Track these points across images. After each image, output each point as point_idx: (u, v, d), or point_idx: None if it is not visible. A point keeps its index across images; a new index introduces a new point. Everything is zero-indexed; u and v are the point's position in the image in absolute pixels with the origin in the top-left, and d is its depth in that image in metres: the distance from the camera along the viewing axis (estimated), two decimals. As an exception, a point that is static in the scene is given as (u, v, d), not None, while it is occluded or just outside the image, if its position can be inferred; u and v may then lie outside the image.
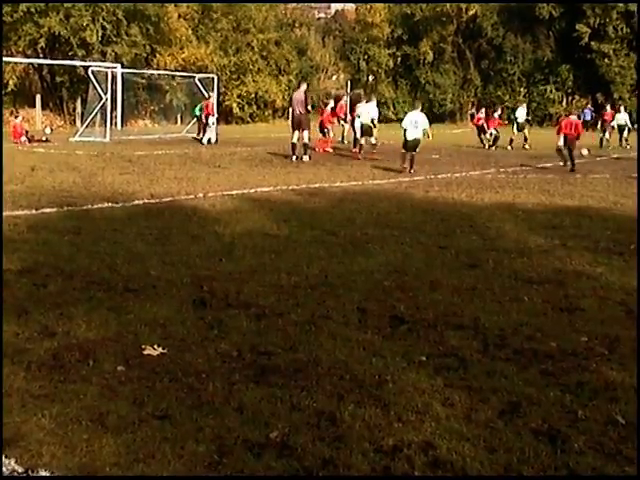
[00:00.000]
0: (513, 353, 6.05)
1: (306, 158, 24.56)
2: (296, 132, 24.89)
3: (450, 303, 7.56)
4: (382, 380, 5.41)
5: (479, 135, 34.84)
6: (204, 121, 33.79)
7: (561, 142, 24.20)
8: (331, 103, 32.21)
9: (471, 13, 65.20)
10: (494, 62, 66.84)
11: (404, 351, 6.03)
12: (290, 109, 26.11)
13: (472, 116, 40.74)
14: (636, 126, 39.63)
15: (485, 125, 34.77)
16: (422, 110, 24.58)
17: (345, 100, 31.46)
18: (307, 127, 24.81)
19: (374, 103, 28.46)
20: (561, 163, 24.12)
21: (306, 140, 24.79)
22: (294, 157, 24.65)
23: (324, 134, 30.18)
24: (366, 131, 26.88)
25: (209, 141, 32.89)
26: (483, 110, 37.18)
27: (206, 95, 39.40)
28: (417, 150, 22.15)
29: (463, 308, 7.38)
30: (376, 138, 27.80)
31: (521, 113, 34.56)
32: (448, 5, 63.54)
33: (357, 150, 26.78)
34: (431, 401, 5.06)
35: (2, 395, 4.92)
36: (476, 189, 17.66)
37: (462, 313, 7.20)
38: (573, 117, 25.27)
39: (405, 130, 22.32)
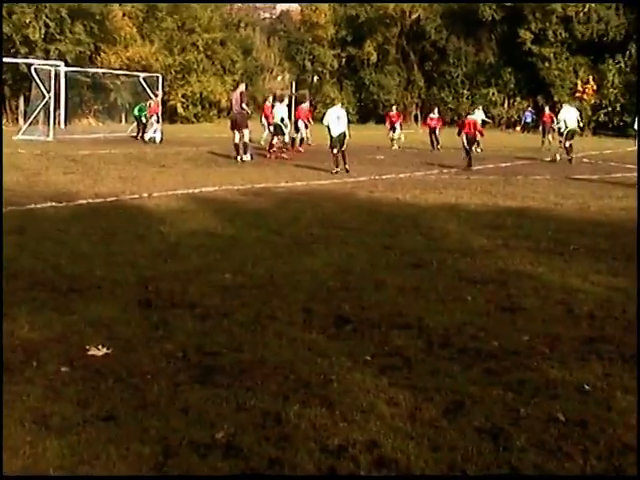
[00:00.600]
0: (457, 352, 6.12)
1: (247, 157, 24.51)
2: (236, 132, 24.85)
3: (394, 303, 7.61)
4: (327, 380, 5.43)
5: (431, 136, 34.84)
6: (149, 120, 33.46)
7: (465, 141, 24.86)
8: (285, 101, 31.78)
9: (415, 16, 65.66)
10: (438, 64, 67.39)
11: (349, 351, 6.07)
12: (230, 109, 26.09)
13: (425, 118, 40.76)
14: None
15: (438, 128, 34.82)
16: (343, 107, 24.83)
17: (269, 101, 31.23)
18: (245, 126, 24.82)
19: (285, 104, 28.67)
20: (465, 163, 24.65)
21: (246, 139, 24.74)
22: (238, 157, 24.59)
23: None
24: (277, 131, 27.03)
25: (153, 140, 32.59)
26: (436, 110, 37.16)
27: (151, 95, 39.04)
28: (345, 145, 22.20)
29: (407, 308, 7.43)
30: (290, 137, 28.75)
31: (479, 116, 34.51)
32: (392, 8, 63.86)
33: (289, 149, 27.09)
34: (376, 400, 5.09)
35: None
36: (420, 190, 17.80)
37: (406, 313, 7.25)
38: (471, 117, 26.32)
39: (329, 127, 22.42)
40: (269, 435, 4.54)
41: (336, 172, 21.36)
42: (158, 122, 33.24)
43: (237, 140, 24.79)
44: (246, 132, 24.78)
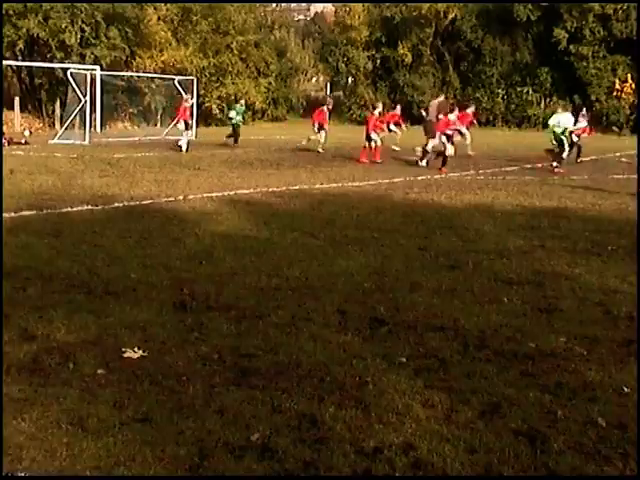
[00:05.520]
0: (493, 354, 6.08)
1: (423, 164, 24.76)
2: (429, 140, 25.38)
3: (430, 304, 7.58)
4: (362, 382, 5.42)
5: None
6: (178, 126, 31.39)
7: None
8: (379, 107, 29.94)
9: (450, 16, 65.28)
10: (473, 64, 66.96)
11: (384, 353, 6.05)
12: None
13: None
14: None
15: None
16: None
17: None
18: (432, 135, 25.20)
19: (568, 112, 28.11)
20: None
21: (428, 147, 25.14)
22: (421, 162, 25.00)
23: (370, 142, 27.08)
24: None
25: (180, 148, 29.88)
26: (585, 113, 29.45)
27: (184, 96, 38.97)
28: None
29: (443, 309, 7.40)
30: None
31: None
32: (426, 8, 63.55)
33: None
34: (411, 402, 5.07)
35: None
36: (455, 191, 17.70)
37: (442, 314, 7.22)
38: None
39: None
40: (304, 437, 4.53)
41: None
42: (187, 129, 31.52)
43: (428, 147, 25.17)
44: (431, 141, 25.07)
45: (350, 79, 70.04)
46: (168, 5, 53.19)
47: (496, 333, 6.65)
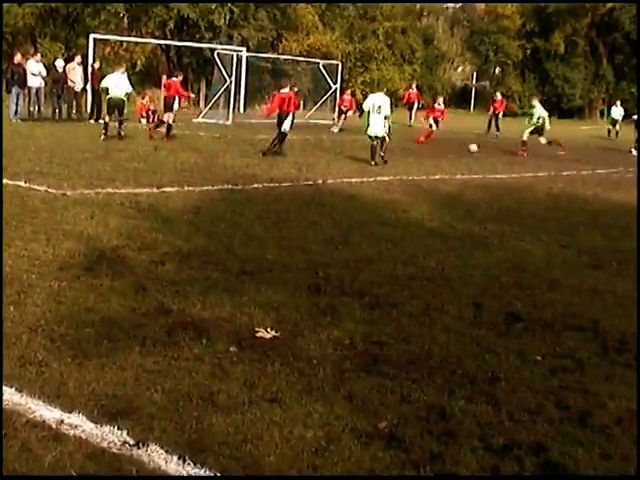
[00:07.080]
0: (633, 359, 5.85)
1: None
2: None
3: (569, 303, 7.37)
4: (495, 377, 5.31)
5: None
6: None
7: None
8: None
9: (609, 6, 63.10)
10: (629, 57, 64.71)
11: (519, 349, 5.91)
12: None
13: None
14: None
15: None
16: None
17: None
18: None
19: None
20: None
21: None
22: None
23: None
24: None
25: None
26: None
27: (330, 83, 39.19)
28: None
29: (582, 309, 7.19)
30: None
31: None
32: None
33: None
34: (545, 402, 4.93)
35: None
36: (602, 188, 17.20)
37: (581, 314, 7.01)
38: None
39: None
40: (432, 429, 4.46)
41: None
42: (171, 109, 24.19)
43: None
44: None
45: (498, 69, 68.89)
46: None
47: (638, 337, 6.39)
